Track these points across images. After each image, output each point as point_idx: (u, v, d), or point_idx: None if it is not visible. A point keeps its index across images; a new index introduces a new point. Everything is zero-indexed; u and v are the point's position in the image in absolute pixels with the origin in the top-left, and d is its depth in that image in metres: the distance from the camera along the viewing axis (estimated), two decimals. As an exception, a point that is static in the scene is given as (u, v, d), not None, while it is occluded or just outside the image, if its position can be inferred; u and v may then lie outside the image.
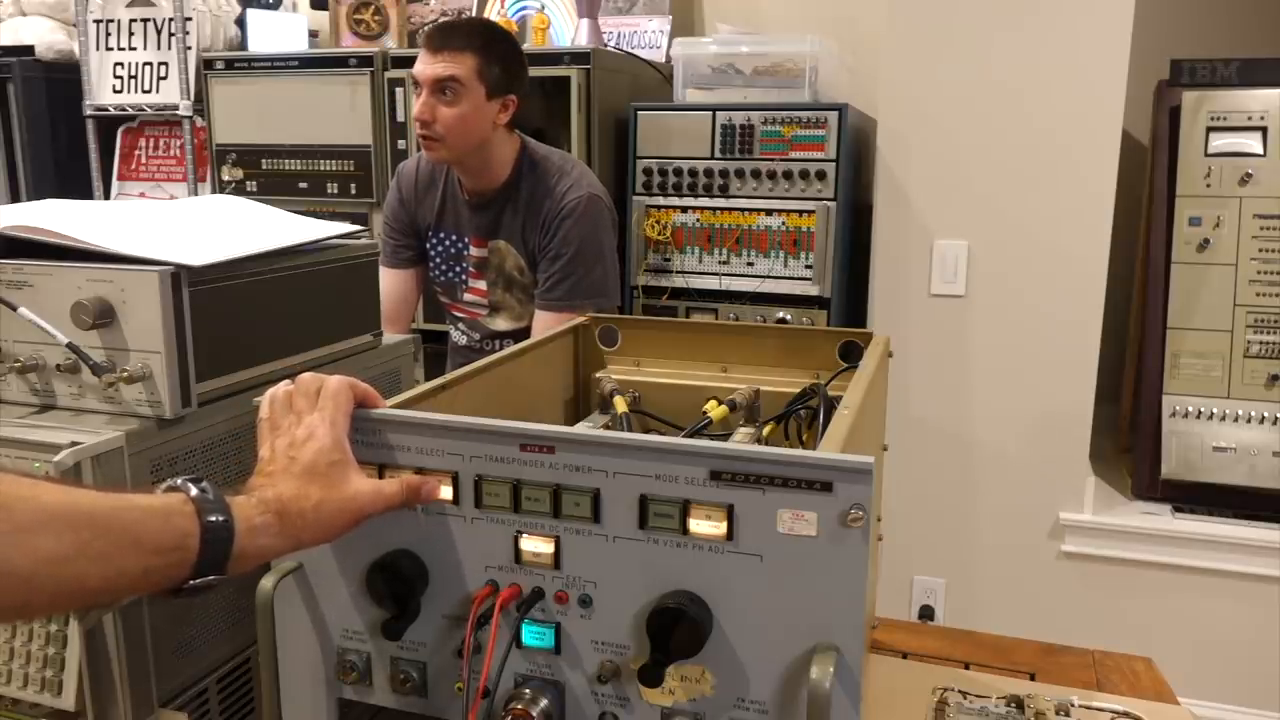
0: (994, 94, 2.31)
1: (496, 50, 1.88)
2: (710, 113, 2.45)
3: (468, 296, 2.06)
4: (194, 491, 0.67)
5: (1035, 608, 2.42)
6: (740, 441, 0.98)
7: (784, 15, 2.98)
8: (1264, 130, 2.34)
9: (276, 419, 0.78)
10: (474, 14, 2.97)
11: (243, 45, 2.95)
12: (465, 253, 2.02)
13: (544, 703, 0.76)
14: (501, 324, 2.06)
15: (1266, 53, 2.43)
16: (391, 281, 2.03)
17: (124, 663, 0.90)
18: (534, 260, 1.96)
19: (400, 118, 2.59)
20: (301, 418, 0.76)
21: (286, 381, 0.80)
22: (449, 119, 1.84)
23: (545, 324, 1.92)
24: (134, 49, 2.96)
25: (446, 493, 0.77)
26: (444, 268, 2.07)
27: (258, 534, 0.68)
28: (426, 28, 1.85)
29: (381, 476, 0.78)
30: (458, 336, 2.15)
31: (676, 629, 0.69)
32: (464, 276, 2.04)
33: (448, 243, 2.04)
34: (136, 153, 3.12)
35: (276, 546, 0.70)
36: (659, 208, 2.50)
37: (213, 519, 0.66)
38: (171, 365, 0.94)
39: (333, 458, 0.74)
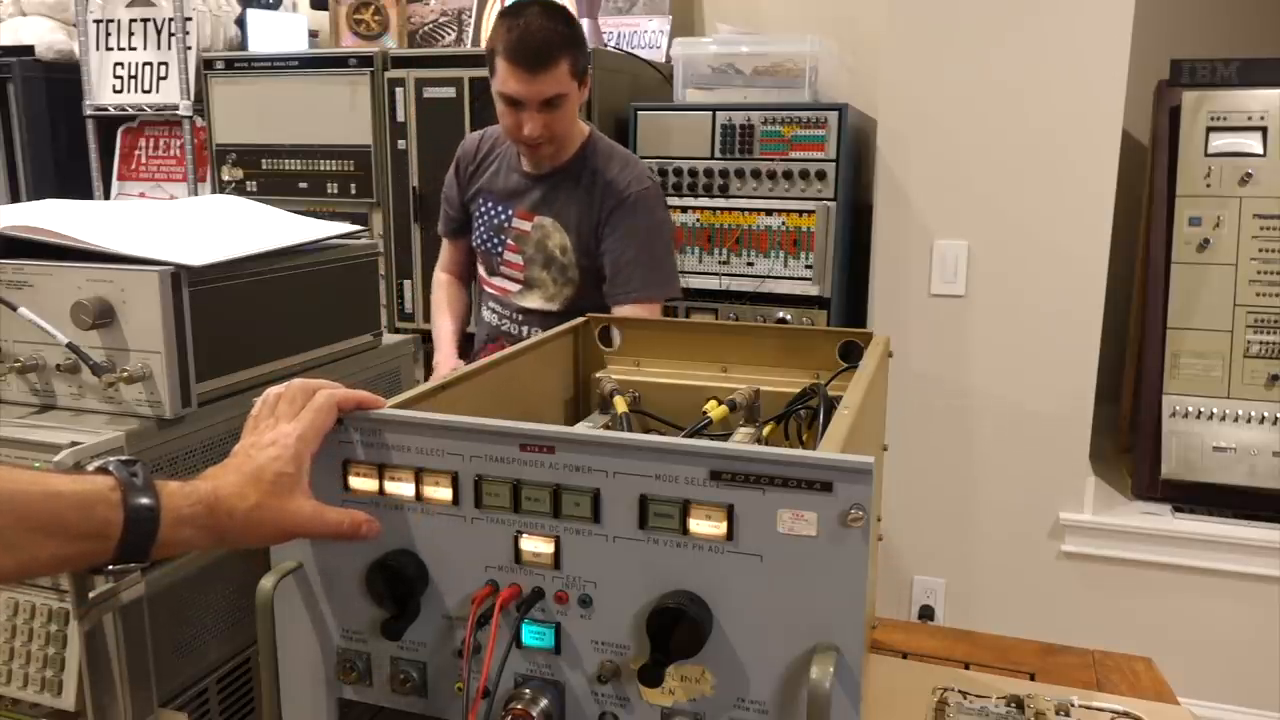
0: (994, 94, 2.32)
1: (577, 42, 1.87)
2: (710, 113, 2.45)
3: (503, 269, 2.05)
4: (123, 475, 0.67)
5: (1035, 608, 2.42)
6: (740, 441, 0.98)
7: (784, 15, 2.98)
8: (1264, 130, 2.34)
9: (259, 418, 0.79)
10: (474, 15, 2.97)
11: (243, 45, 2.95)
12: (508, 224, 2.02)
13: (544, 703, 0.76)
14: (532, 302, 2.04)
15: (1266, 53, 2.43)
16: (450, 253, 2.20)
17: (124, 663, 0.90)
18: (583, 244, 1.97)
19: (400, 118, 2.59)
20: (278, 423, 0.77)
21: (286, 383, 0.80)
22: (557, 123, 1.88)
23: (632, 314, 1.97)
24: (134, 49, 2.96)
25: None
26: (485, 235, 2.06)
27: (183, 525, 0.68)
28: (505, 44, 1.81)
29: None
30: (488, 315, 2.15)
31: (676, 629, 0.69)
32: (501, 249, 2.03)
33: (492, 211, 2.04)
34: (136, 153, 3.12)
35: (199, 540, 0.71)
36: (659, 208, 2.50)
37: (137, 506, 0.66)
38: (171, 365, 0.94)
39: (285, 469, 0.74)
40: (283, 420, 0.77)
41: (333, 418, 0.78)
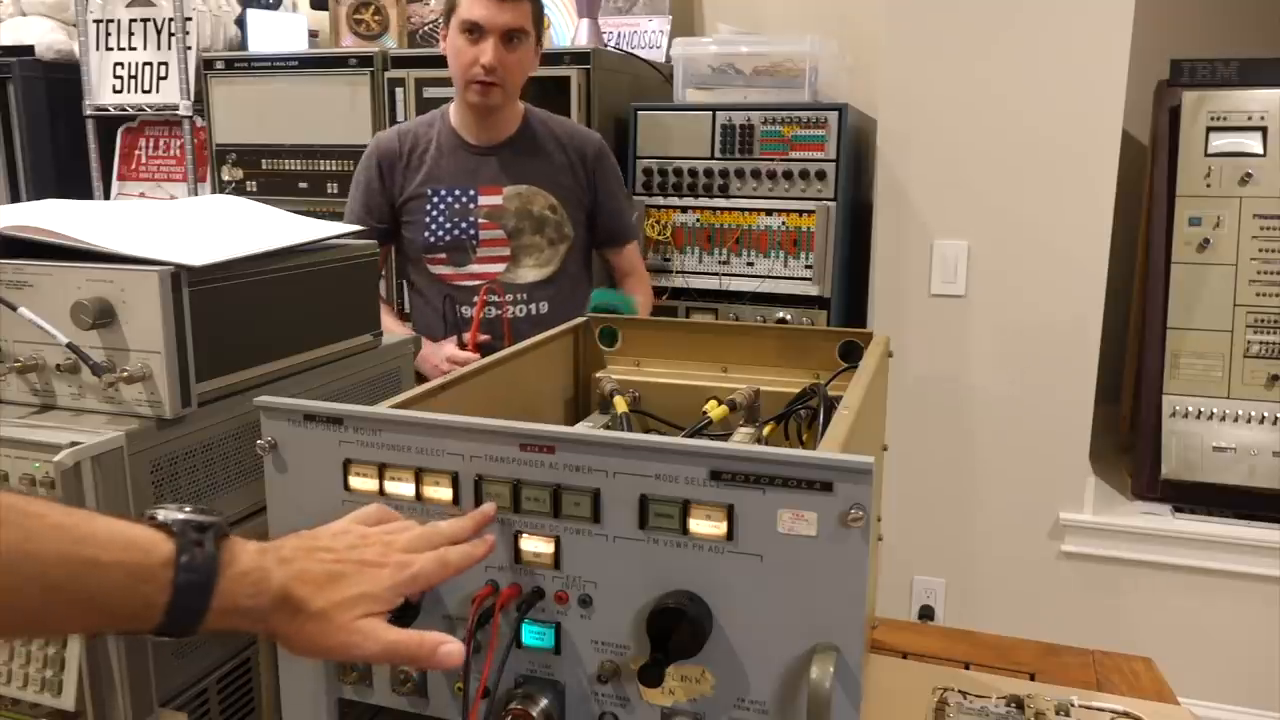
0: (994, 94, 2.31)
1: None
2: (710, 113, 2.45)
3: (482, 251, 2.02)
4: (185, 542, 0.60)
5: (1035, 608, 2.42)
6: (740, 441, 0.98)
7: (784, 15, 2.98)
8: (1264, 130, 2.34)
9: (375, 521, 0.73)
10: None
11: (243, 45, 2.95)
12: (473, 205, 2.01)
13: (544, 703, 0.76)
14: (528, 274, 2.04)
15: (1266, 53, 2.43)
16: None
17: (124, 663, 0.90)
18: (575, 198, 2.05)
19: (400, 118, 2.59)
20: (395, 545, 0.70)
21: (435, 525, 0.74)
22: (513, 65, 1.92)
23: (632, 253, 2.21)
24: (134, 49, 2.96)
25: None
26: (447, 226, 2.01)
27: (233, 615, 0.62)
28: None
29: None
30: (464, 313, 2.03)
31: (676, 629, 0.69)
32: (473, 231, 2.01)
33: (450, 199, 2.01)
34: (136, 153, 3.12)
35: (248, 628, 0.65)
36: (659, 208, 2.50)
37: (186, 590, 0.59)
38: (171, 365, 0.94)
39: (375, 603, 0.67)
40: (401, 549, 0.70)
41: (442, 578, 0.71)
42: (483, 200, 2.01)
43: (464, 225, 2.01)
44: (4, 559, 0.54)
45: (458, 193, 2.01)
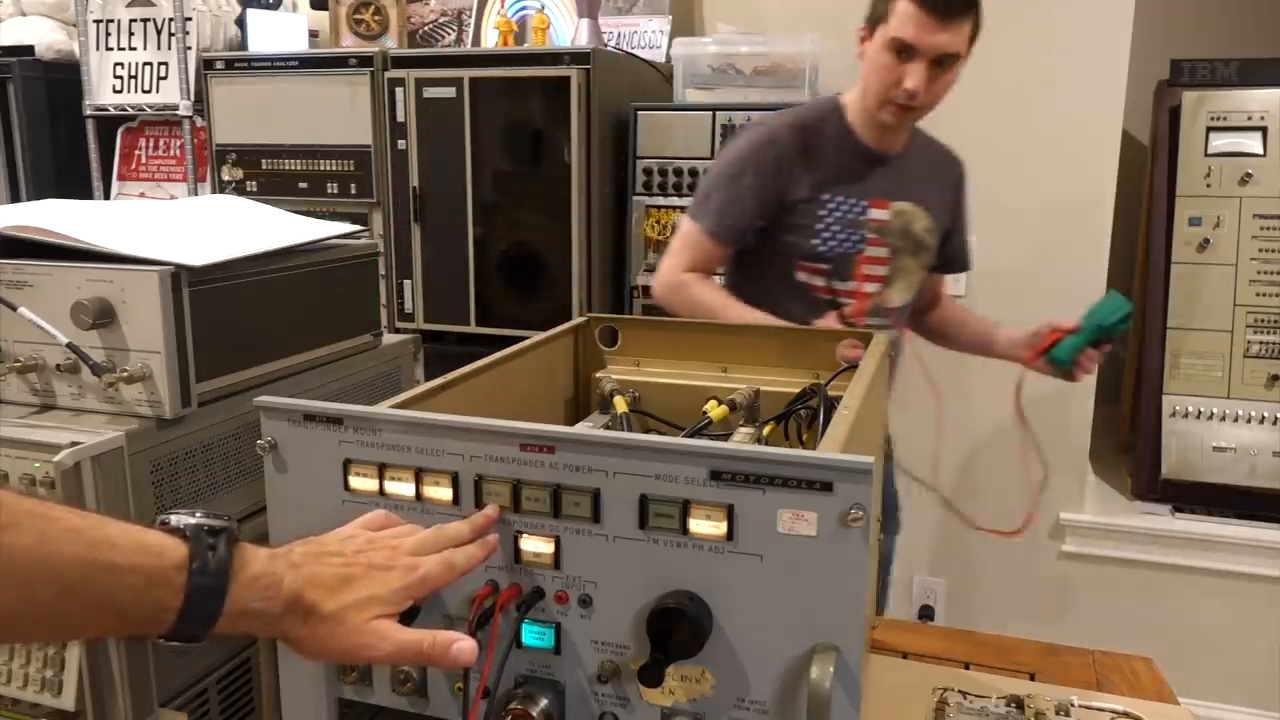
0: (994, 94, 2.31)
1: (979, 8, 1.74)
2: (710, 113, 2.45)
3: (866, 269, 1.80)
4: (198, 547, 0.61)
5: (1035, 608, 2.42)
6: (740, 441, 0.98)
7: (784, 15, 2.97)
8: (1264, 130, 2.34)
9: (380, 526, 0.74)
10: (474, 15, 2.97)
11: (243, 45, 2.95)
12: (863, 217, 1.80)
13: (544, 703, 0.76)
14: (896, 297, 1.86)
15: (1266, 53, 2.43)
16: (710, 257, 1.83)
17: (124, 663, 0.90)
18: (939, 222, 1.90)
19: (400, 118, 2.59)
20: (401, 549, 0.71)
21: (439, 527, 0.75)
22: (940, 90, 1.72)
23: (944, 283, 2.08)
24: (134, 49, 2.96)
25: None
26: (840, 236, 1.79)
27: (244, 618, 0.63)
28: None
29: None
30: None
31: (676, 629, 0.69)
32: (861, 245, 1.80)
33: (845, 206, 1.79)
34: (136, 153, 3.12)
35: (259, 632, 0.66)
36: (659, 208, 2.50)
37: (200, 594, 0.60)
38: (171, 365, 0.94)
39: (386, 606, 0.67)
40: (415, 553, 0.71)
41: (451, 580, 0.72)
42: (872, 213, 1.81)
43: (854, 237, 1.80)
44: (20, 562, 0.54)
45: (853, 201, 1.80)
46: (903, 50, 1.67)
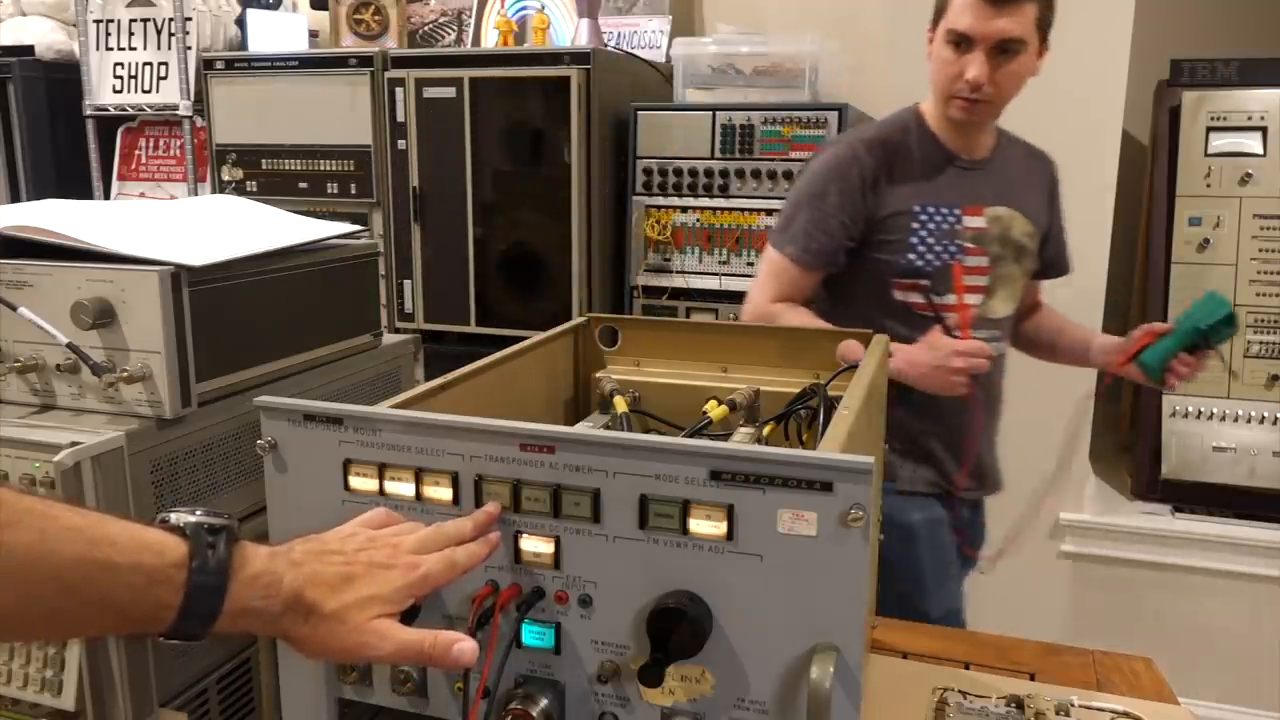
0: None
1: None
2: (710, 113, 2.45)
3: (966, 280, 1.71)
4: (198, 545, 0.61)
5: (1035, 608, 2.42)
6: (740, 441, 0.98)
7: (784, 15, 2.98)
8: (1264, 130, 2.34)
9: (380, 524, 0.74)
10: (474, 15, 2.97)
11: (243, 45, 2.95)
12: (958, 226, 1.71)
13: (544, 703, 0.76)
14: (1000, 307, 1.77)
15: (1266, 53, 2.43)
16: (798, 284, 1.74)
17: (124, 663, 0.90)
18: (1039, 225, 1.81)
19: (400, 118, 2.59)
20: (402, 547, 0.71)
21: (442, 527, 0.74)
22: (1005, 80, 1.64)
23: (1041, 290, 1.96)
24: (134, 49, 2.96)
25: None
26: (936, 248, 1.70)
27: (244, 617, 0.63)
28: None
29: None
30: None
31: (676, 629, 0.69)
32: (958, 255, 1.70)
33: (938, 217, 1.71)
34: (136, 153, 3.12)
35: (259, 630, 0.66)
36: (659, 208, 2.50)
37: (199, 593, 0.60)
38: (171, 365, 0.94)
39: (387, 605, 0.67)
40: (415, 551, 0.71)
41: (450, 580, 0.72)
42: (967, 221, 1.72)
43: (951, 248, 1.71)
44: (20, 560, 0.54)
45: (945, 211, 1.71)
46: (961, 41, 1.63)
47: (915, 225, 1.70)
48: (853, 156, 1.71)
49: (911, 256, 1.69)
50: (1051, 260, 1.89)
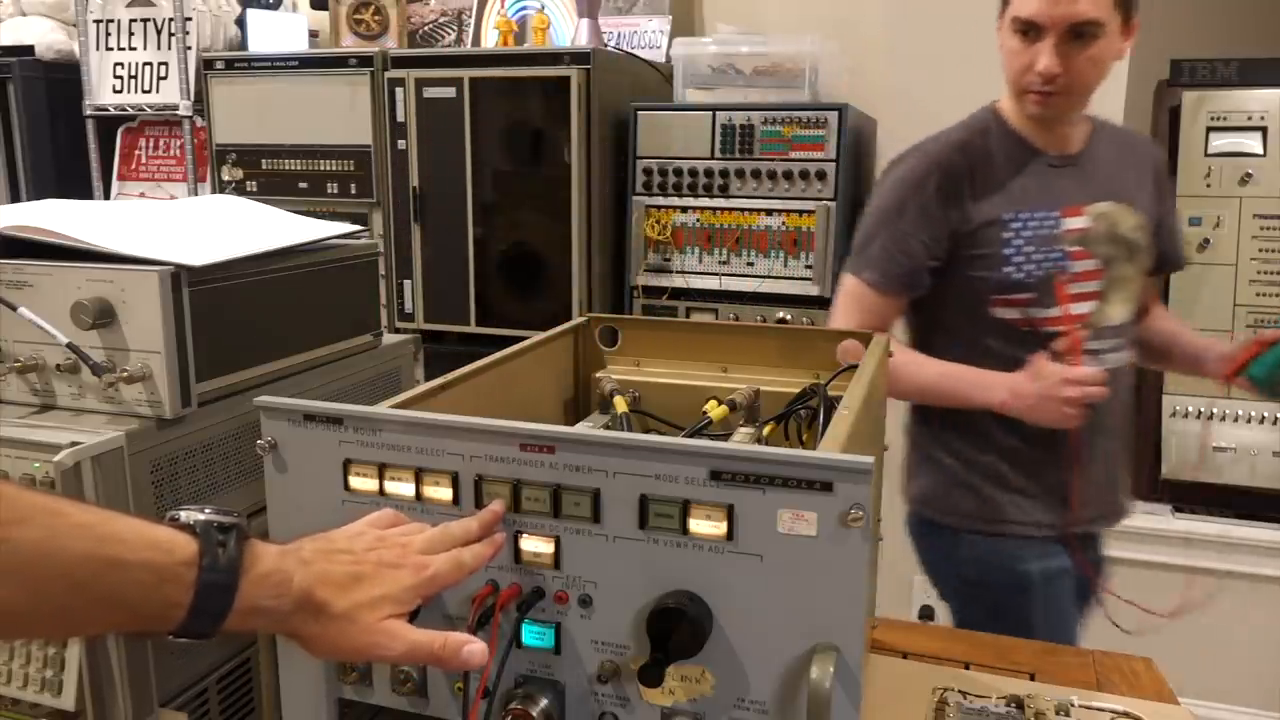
0: (994, 94, 2.31)
1: None
2: (710, 113, 2.45)
3: (1075, 287, 1.56)
4: (208, 544, 0.61)
5: (1035, 608, 2.42)
6: (740, 441, 0.98)
7: (784, 15, 2.98)
8: (1264, 130, 2.34)
9: (388, 524, 0.73)
10: (474, 15, 2.97)
11: (243, 45, 2.95)
12: (1058, 230, 1.56)
13: (544, 703, 0.76)
14: (1118, 313, 1.60)
15: (1266, 53, 2.43)
16: (881, 313, 1.60)
17: (124, 663, 0.90)
18: (1150, 216, 1.65)
19: (400, 118, 2.59)
20: (411, 548, 0.70)
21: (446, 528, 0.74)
22: (1081, 68, 1.49)
23: (1154, 290, 1.83)
24: (134, 49, 2.96)
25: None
26: (1036, 257, 1.55)
27: (254, 615, 0.62)
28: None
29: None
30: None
31: (676, 629, 0.69)
32: (1063, 263, 1.55)
33: (1034, 223, 1.55)
34: (136, 153, 3.12)
35: (269, 629, 0.65)
36: (659, 208, 2.50)
37: (209, 591, 0.60)
38: (171, 365, 0.94)
39: (396, 605, 0.67)
40: (424, 551, 0.71)
41: (459, 580, 0.72)
42: (1067, 224, 1.56)
43: (1053, 255, 1.55)
44: (29, 557, 0.54)
45: (1040, 216, 1.56)
46: (1029, 29, 1.50)
47: (1008, 235, 1.55)
48: (930, 168, 1.57)
49: (1009, 270, 1.55)
50: (1165, 254, 1.71)
